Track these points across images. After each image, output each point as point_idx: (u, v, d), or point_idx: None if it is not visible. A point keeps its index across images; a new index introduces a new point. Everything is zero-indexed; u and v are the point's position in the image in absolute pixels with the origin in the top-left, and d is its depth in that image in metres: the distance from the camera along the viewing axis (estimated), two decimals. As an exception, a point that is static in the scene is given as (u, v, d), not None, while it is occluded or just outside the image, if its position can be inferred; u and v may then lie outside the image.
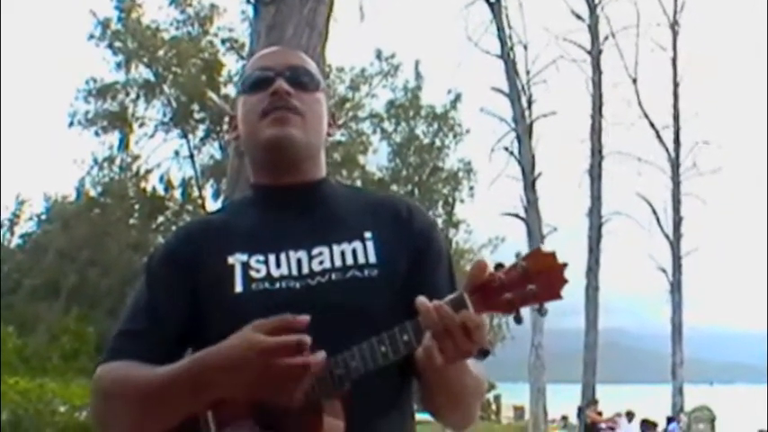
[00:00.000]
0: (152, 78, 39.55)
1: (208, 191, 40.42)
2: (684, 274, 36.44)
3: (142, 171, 42.17)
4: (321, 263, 2.34)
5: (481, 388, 2.42)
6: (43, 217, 46.35)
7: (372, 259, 2.36)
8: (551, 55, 35.73)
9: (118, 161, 42.16)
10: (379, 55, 42.93)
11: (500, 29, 33.19)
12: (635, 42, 36.92)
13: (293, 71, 2.51)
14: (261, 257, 2.35)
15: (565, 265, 2.06)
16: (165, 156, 41.17)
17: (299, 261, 2.34)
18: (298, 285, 2.30)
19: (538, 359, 30.18)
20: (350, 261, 2.35)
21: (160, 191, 41.70)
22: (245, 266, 2.34)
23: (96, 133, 40.64)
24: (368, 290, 2.32)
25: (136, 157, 42.09)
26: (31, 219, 47.03)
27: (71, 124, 40.35)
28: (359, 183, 45.28)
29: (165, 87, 39.46)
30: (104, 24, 39.23)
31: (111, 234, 38.94)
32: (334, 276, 2.32)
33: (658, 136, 36.92)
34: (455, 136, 44.95)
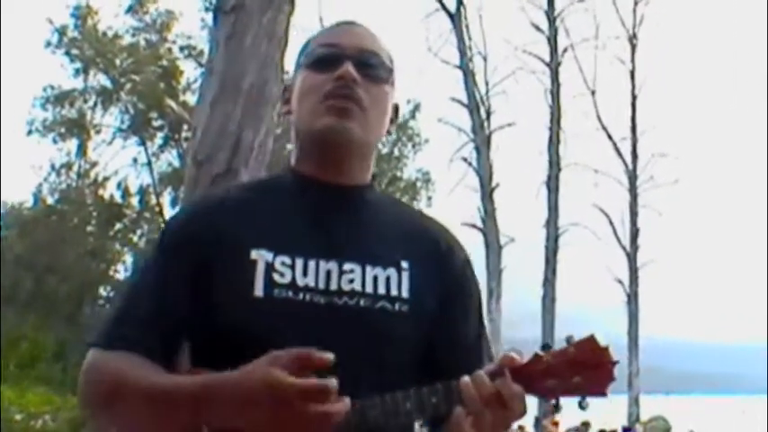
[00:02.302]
0: (110, 85, 39.34)
1: (166, 198, 40.19)
2: (641, 285, 36.67)
3: (100, 178, 41.94)
4: (351, 281, 2.18)
5: None
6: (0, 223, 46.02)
7: (405, 293, 2.21)
8: (510, 66, 35.93)
9: (75, 168, 41.94)
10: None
11: (460, 39, 33.36)
12: (594, 55, 37.16)
13: (364, 56, 2.32)
14: (287, 260, 2.17)
15: (616, 362, 1.98)
16: (122, 163, 40.90)
17: (328, 274, 2.18)
18: (322, 301, 2.15)
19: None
20: (381, 290, 2.20)
21: (118, 198, 41.43)
22: (269, 267, 2.16)
23: (54, 140, 40.40)
24: (396, 326, 2.18)
25: (93, 164, 41.89)
26: (-13, 225, 46.73)
27: (30, 132, 40.10)
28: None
29: (123, 94, 39.24)
30: (61, 32, 39.01)
31: (68, 241, 38.65)
32: (362, 302, 2.18)
33: (616, 148, 37.15)
34: (414, 146, 44.96)
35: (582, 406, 2.00)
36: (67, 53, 39.29)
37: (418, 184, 45.01)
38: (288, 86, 2.45)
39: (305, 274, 2.16)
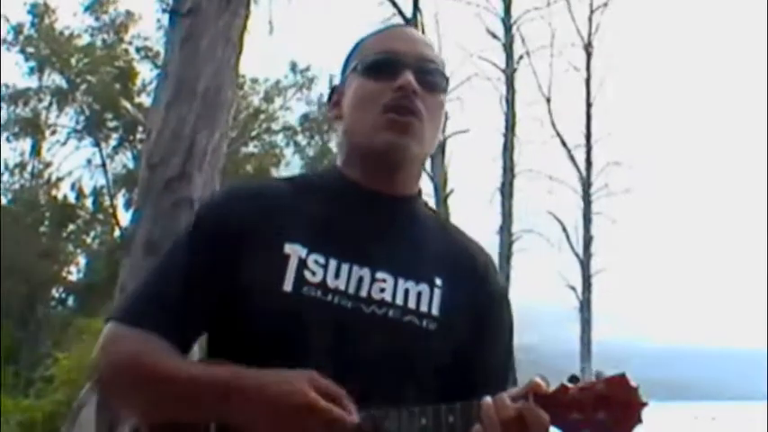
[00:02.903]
0: (65, 85, 39.10)
1: (119, 200, 39.95)
2: (594, 293, 36.79)
3: (53, 179, 41.67)
4: (382, 291, 2.13)
5: None
6: (-50, 223, 45.63)
7: (435, 311, 2.16)
8: (466, 72, 35.92)
9: (29, 168, 41.66)
10: (293, 67, 42.83)
11: (416, 45, 33.35)
12: (549, 62, 37.26)
13: (424, 65, 2.24)
14: (321, 259, 2.12)
15: (645, 404, 1.88)
16: (76, 164, 40.73)
17: (359, 279, 2.13)
18: (350, 305, 2.10)
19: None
20: (412, 304, 2.14)
21: (71, 199, 41.18)
22: (301, 263, 2.10)
23: (8, 139, 40.14)
24: (421, 342, 2.13)
25: (47, 165, 41.59)
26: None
27: (-17, 131, 39.81)
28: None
29: (79, 95, 39.01)
30: (17, 29, 38.76)
31: (20, 242, 38.38)
32: (391, 313, 2.12)
33: (570, 155, 37.24)
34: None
35: None
36: (23, 51, 39.03)
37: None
38: (337, 89, 2.38)
39: (337, 276, 2.12)
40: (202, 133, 6.96)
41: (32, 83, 39.96)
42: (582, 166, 37.19)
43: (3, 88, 38.88)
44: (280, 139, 44.63)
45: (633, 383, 1.88)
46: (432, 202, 31.38)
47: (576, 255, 36.62)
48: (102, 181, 40.26)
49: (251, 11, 7.72)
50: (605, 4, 37.37)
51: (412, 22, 33.08)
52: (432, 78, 2.25)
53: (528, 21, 36.19)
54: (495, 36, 35.52)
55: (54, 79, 39.70)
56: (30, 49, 38.89)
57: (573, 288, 36.46)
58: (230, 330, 2.10)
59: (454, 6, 46.28)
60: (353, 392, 1.95)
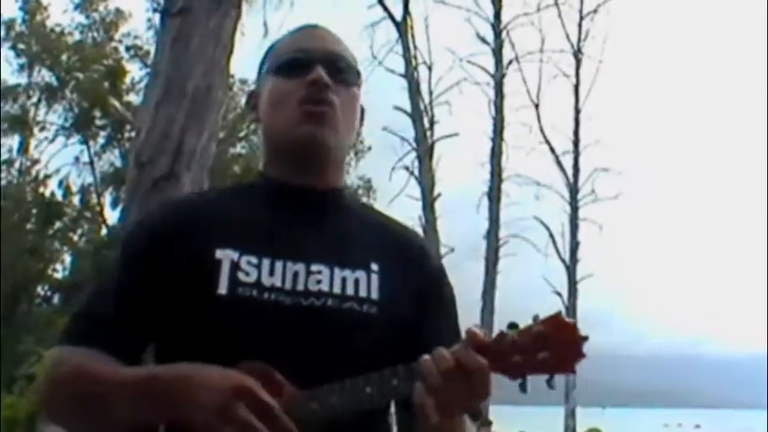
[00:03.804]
0: (54, 82, 39.02)
1: (107, 198, 39.83)
2: (579, 298, 36.83)
3: (41, 176, 41.60)
4: (319, 282, 2.15)
5: None
6: (-63, 219, 45.49)
7: (374, 295, 2.19)
8: (455, 77, 35.99)
9: (17, 165, 41.57)
10: (283, 69, 42.71)
11: (405, 48, 33.42)
12: (538, 68, 37.33)
13: (335, 60, 2.31)
14: (254, 260, 2.14)
15: (585, 338, 1.91)
16: (64, 161, 40.56)
17: (295, 274, 2.15)
18: (288, 301, 2.12)
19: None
20: (350, 291, 2.17)
21: (58, 196, 41.02)
22: (234, 266, 2.12)
23: (-4, 136, 40.05)
24: (363, 326, 2.15)
25: (35, 162, 41.50)
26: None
27: (-32, 126, 39.73)
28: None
29: (68, 92, 38.92)
30: (8, 25, 38.68)
31: (6, 238, 38.26)
32: (330, 302, 2.14)
33: (558, 161, 37.33)
34: (356, 153, 44.87)
35: (550, 385, 1.90)
36: (14, 48, 38.96)
37: (360, 191, 44.97)
38: (254, 93, 2.42)
39: (271, 274, 2.14)
40: (191, 133, 6.97)
41: (22, 79, 39.91)
42: (569, 171, 37.28)
43: (-7, 84, 38.86)
44: (268, 140, 44.61)
45: (570, 320, 1.92)
46: (419, 206, 31.38)
47: (563, 260, 36.70)
48: (89, 179, 40.16)
49: (242, 12, 7.72)
50: (595, 11, 37.54)
51: (402, 25, 33.14)
52: (343, 72, 2.31)
53: (518, 26, 36.36)
54: (484, 41, 35.64)
55: (44, 76, 39.63)
56: (20, 46, 38.83)
57: (559, 294, 36.53)
58: (173, 339, 2.12)
59: (444, 10, 46.16)
60: (299, 383, 1.97)
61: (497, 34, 35.53)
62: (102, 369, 2.06)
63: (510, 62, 35.95)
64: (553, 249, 36.64)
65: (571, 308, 36.37)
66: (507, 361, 1.88)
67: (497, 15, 35.70)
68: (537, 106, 36.81)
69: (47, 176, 41.19)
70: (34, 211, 41.19)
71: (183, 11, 7.45)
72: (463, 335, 1.97)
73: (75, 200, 41.34)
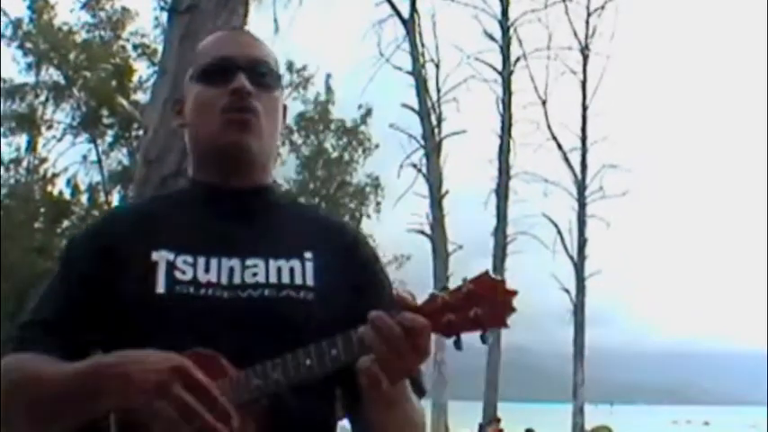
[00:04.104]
0: (62, 81, 39.09)
1: (114, 197, 39.90)
2: (587, 295, 36.82)
3: (49, 174, 41.66)
4: (255, 275, 2.21)
5: (420, 425, 2.25)
6: (-55, 218, 45.56)
7: (310, 282, 2.24)
8: (462, 74, 35.98)
9: (24, 163, 41.64)
10: (290, 67, 42.78)
11: (413, 46, 33.44)
12: (546, 65, 37.31)
13: (256, 66, 2.35)
14: (189, 258, 2.21)
15: (514, 292, 1.96)
16: (72, 160, 40.64)
17: (230, 270, 2.21)
18: (225, 295, 2.17)
19: (440, 375, 30.34)
20: (286, 279, 2.22)
21: (66, 195, 41.12)
22: (170, 266, 2.19)
23: (4, 134, 40.14)
24: (301, 312, 2.19)
25: (43, 160, 41.59)
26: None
27: (-24, 124, 39.81)
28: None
29: (75, 91, 38.99)
30: (16, 24, 38.76)
31: (14, 237, 38.30)
32: (266, 292, 2.20)
33: (566, 158, 37.31)
34: (364, 151, 44.94)
35: (484, 340, 1.95)
36: (21, 47, 39.04)
37: (367, 189, 44.97)
38: (179, 99, 2.48)
39: (207, 270, 2.20)
40: (199, 130, 6.97)
41: (30, 78, 39.98)
42: (577, 168, 37.26)
43: (1, 83, 38.91)
44: (275, 137, 44.64)
45: (498, 277, 1.97)
46: (426, 203, 31.40)
47: (571, 257, 36.70)
48: (97, 177, 40.26)
49: (250, 9, 7.71)
50: (602, 8, 37.49)
51: (409, 22, 33.13)
52: (265, 78, 2.36)
53: (525, 23, 36.30)
54: (492, 38, 35.61)
55: (51, 75, 39.70)
56: (28, 45, 38.90)
57: (566, 290, 36.52)
58: (116, 341, 2.12)
59: (452, 8, 46.21)
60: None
61: (505, 31, 35.51)
62: (47, 370, 2.08)
63: (517, 59, 35.96)
64: (561, 246, 36.68)
65: (579, 304, 36.39)
66: (440, 320, 1.93)
67: (505, 12, 35.69)
68: (544, 103, 36.82)
69: (55, 175, 41.29)
70: (42, 209, 41.26)
71: (190, 8, 7.45)
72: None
73: (84, 198, 41.43)
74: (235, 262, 2.22)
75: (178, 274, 2.18)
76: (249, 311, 2.16)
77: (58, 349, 2.14)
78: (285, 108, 2.50)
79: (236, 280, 2.20)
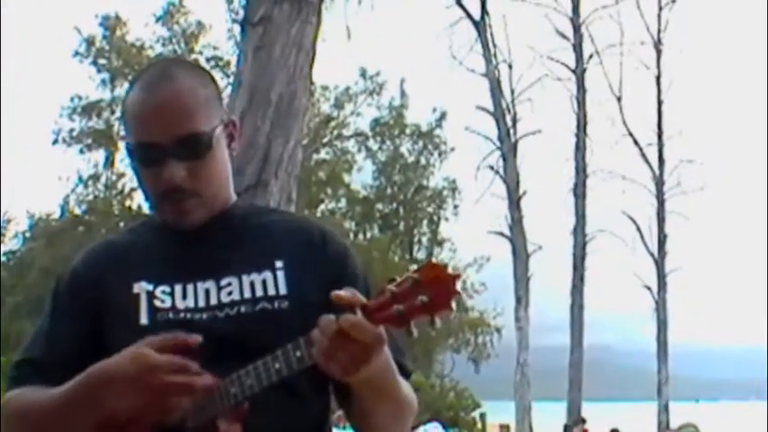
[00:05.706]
0: (137, 96, 39.49)
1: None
2: (669, 292, 36.50)
3: (127, 189, 42.14)
4: (230, 294, 2.29)
5: (411, 405, 2.37)
6: (27, 234, 46.17)
7: (283, 290, 2.30)
8: (536, 73, 35.80)
9: (103, 179, 42.18)
10: (363, 73, 42.95)
11: (485, 47, 33.36)
12: (619, 61, 37.03)
13: (183, 145, 2.28)
14: (167, 288, 2.30)
15: (457, 276, 2.01)
16: (150, 174, 41.03)
17: (207, 292, 2.30)
18: (204, 317, 2.26)
19: (523, 377, 30.28)
20: (260, 292, 2.29)
21: (145, 209, 41.53)
22: (150, 296, 2.29)
23: (81, 151, 40.69)
24: (277, 323, 2.25)
25: (121, 175, 42.14)
26: (15, 236, 46.92)
27: (55, 141, 40.42)
28: (343, 201, 45.33)
29: (151, 105, 39.34)
30: (89, 41, 39.26)
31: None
32: (243, 309, 2.27)
33: (642, 154, 36.99)
34: (440, 154, 45.02)
35: (432, 325, 2.01)
36: (95, 63, 39.54)
37: (445, 192, 45.06)
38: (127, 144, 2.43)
39: (184, 297, 2.29)
40: (277, 141, 6.99)
41: (105, 94, 40.46)
42: (654, 164, 36.95)
43: (76, 100, 39.42)
44: (351, 144, 44.85)
45: (442, 263, 2.02)
46: (505, 205, 31.26)
47: (651, 254, 36.40)
48: (174, 190, 40.59)
49: (322, 18, 7.74)
50: (674, 1, 37.11)
51: (480, 24, 33.07)
52: (196, 149, 2.31)
53: (597, 19, 36.01)
54: (564, 36, 35.41)
55: (126, 90, 40.15)
56: (102, 61, 39.39)
57: (648, 288, 36.23)
58: None
59: (522, 8, 46.04)
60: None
61: (576, 29, 35.29)
62: (38, 399, 2.23)
63: (590, 56, 35.70)
64: (641, 243, 36.39)
65: (661, 302, 36.08)
66: (389, 312, 1.99)
67: (576, 10, 35.47)
68: (619, 99, 36.51)
69: (133, 189, 41.71)
70: (121, 224, 41.69)
71: (263, 20, 7.48)
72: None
73: (162, 211, 41.79)
74: (210, 284, 2.31)
75: (158, 303, 2.28)
76: (227, 330, 2.24)
77: (49, 385, 2.24)
78: (232, 123, 2.48)
79: (213, 301, 2.29)
